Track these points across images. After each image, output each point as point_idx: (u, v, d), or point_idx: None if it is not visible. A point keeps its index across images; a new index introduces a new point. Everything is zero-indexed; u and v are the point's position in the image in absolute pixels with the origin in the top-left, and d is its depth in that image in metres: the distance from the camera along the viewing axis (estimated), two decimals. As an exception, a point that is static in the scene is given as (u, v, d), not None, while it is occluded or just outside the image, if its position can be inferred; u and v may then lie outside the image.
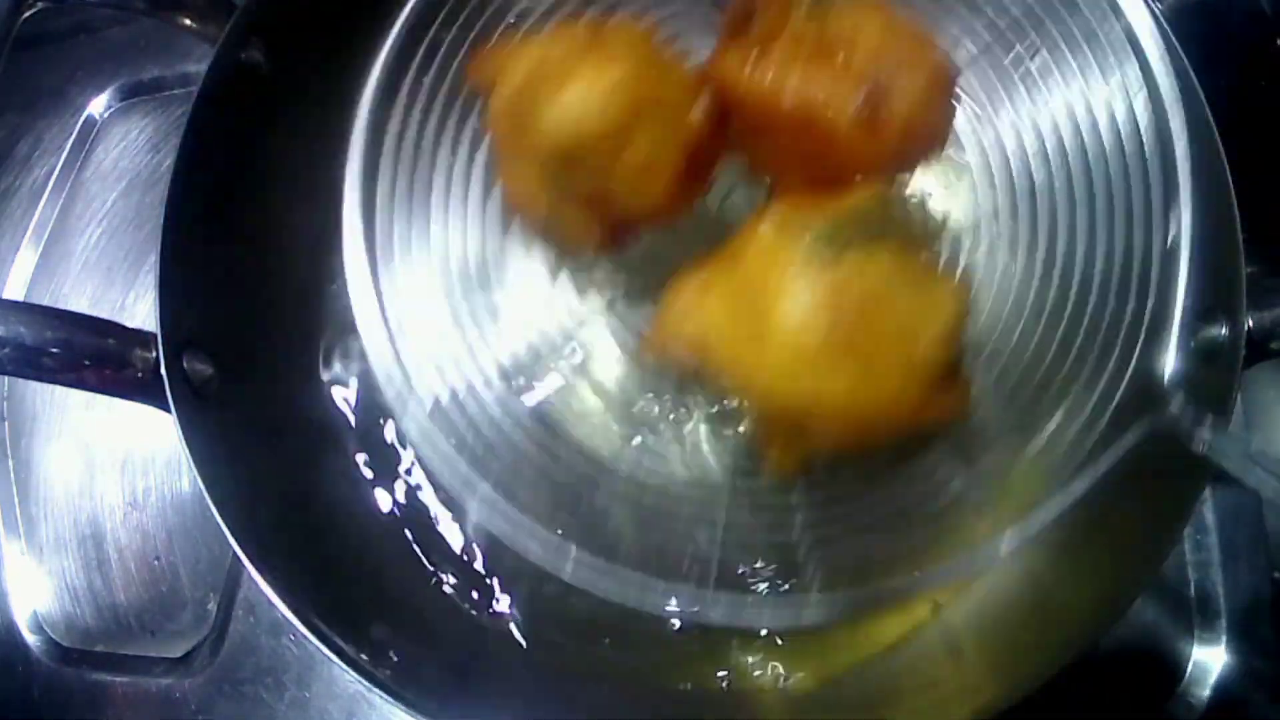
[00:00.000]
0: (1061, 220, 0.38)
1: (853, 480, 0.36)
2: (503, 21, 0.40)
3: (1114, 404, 0.33)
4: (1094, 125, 0.37)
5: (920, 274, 0.32)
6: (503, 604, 0.42)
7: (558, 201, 0.36)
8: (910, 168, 0.37)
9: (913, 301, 0.31)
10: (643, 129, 0.33)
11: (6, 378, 0.55)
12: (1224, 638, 0.42)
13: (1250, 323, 0.34)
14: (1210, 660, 0.42)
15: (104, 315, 0.37)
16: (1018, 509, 0.32)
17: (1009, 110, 0.40)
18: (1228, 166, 0.35)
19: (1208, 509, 0.44)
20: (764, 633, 0.40)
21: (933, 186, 0.44)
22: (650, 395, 0.43)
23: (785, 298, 0.31)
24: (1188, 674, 0.42)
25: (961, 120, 0.40)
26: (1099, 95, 0.37)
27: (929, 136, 0.36)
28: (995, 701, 0.32)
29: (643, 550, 0.37)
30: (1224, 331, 0.35)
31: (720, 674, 0.40)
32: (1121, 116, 0.36)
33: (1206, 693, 0.42)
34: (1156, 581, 0.42)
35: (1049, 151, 0.39)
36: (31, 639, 0.50)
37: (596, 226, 0.37)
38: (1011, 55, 0.39)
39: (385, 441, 0.44)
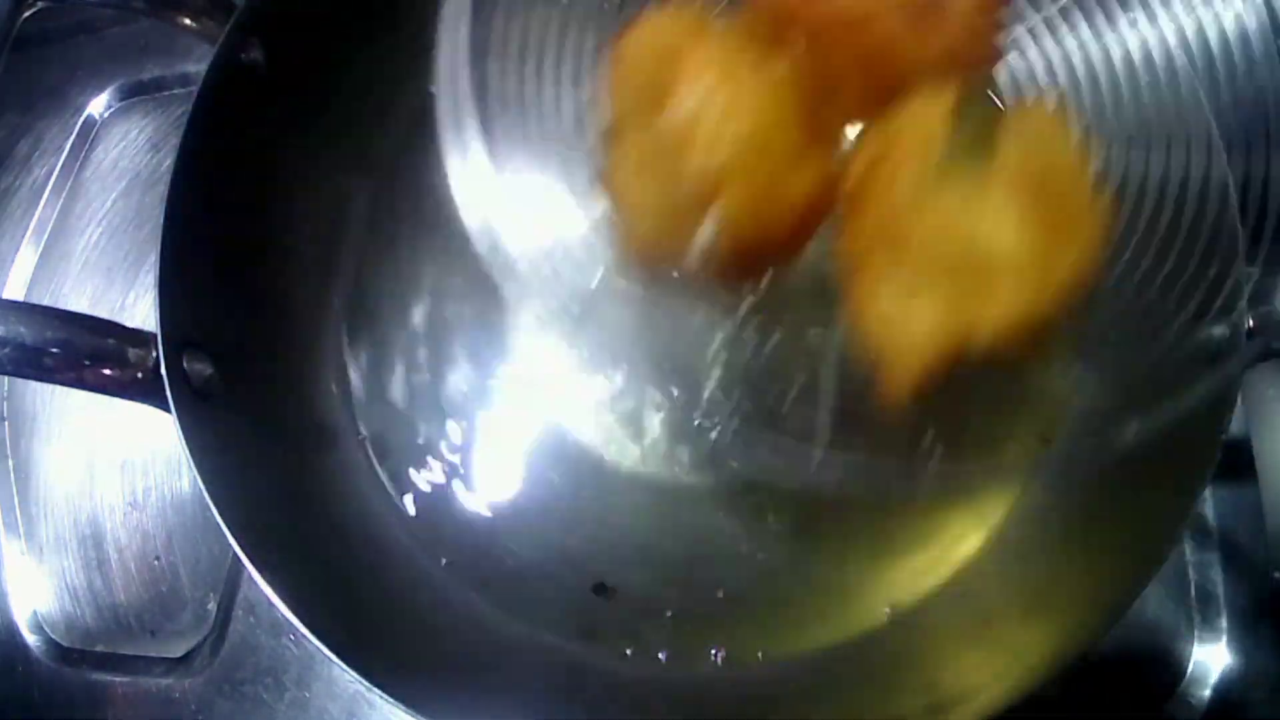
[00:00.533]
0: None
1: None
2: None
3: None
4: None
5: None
6: (504, 602, 0.42)
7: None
8: (970, 68, 0.35)
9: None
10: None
11: (6, 378, 0.55)
12: (1225, 637, 0.42)
13: (1251, 322, 0.34)
14: (1211, 660, 0.42)
15: (104, 315, 0.37)
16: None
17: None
18: (1228, 165, 0.35)
19: (1208, 508, 0.44)
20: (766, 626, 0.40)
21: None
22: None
23: (987, 230, 0.30)
24: (1188, 673, 0.42)
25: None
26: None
27: (989, 30, 0.34)
28: (995, 701, 0.32)
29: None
30: (1225, 331, 0.35)
31: (723, 665, 0.40)
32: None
33: (1207, 692, 0.42)
34: (1157, 581, 0.42)
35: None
36: (31, 639, 0.50)
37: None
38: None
39: (386, 440, 0.44)
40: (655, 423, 0.43)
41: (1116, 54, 0.39)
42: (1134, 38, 0.38)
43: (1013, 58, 0.41)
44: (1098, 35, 0.40)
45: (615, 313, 0.44)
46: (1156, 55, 0.38)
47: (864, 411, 0.39)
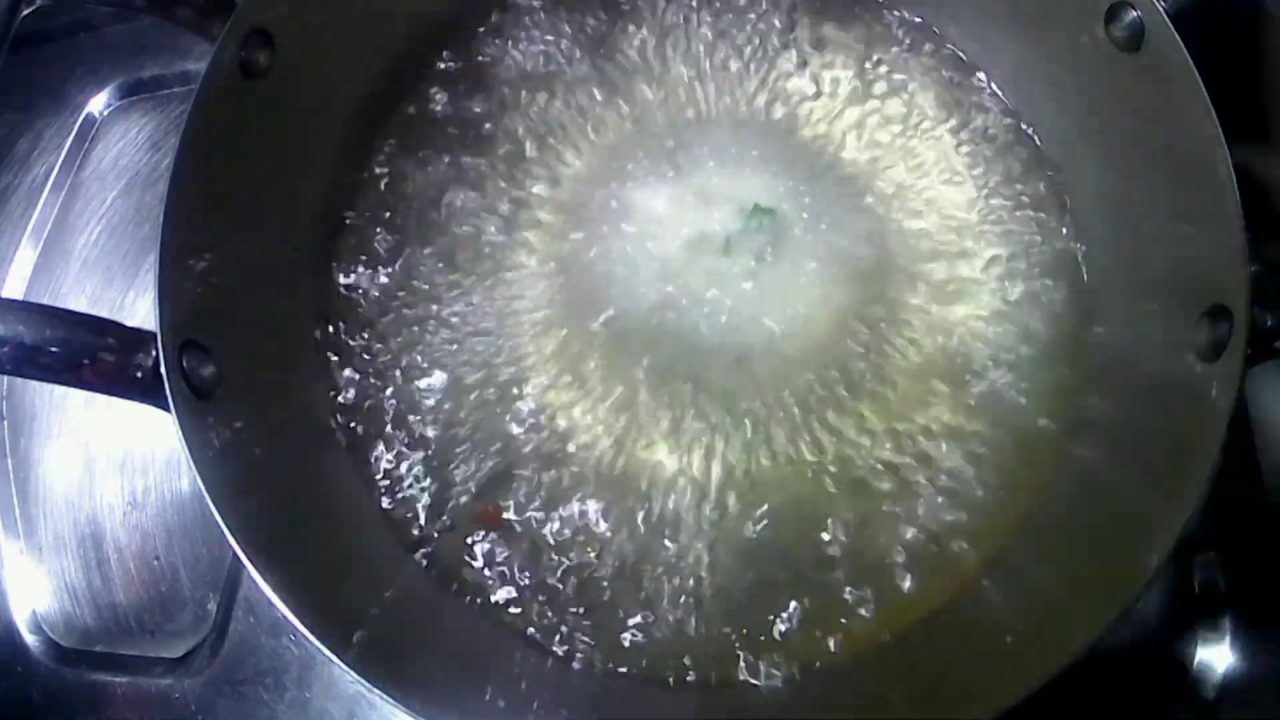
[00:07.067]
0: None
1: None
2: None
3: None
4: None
5: None
6: (505, 603, 0.42)
7: None
8: None
9: None
10: None
11: (6, 377, 0.55)
12: (1228, 637, 0.42)
13: (1254, 321, 0.34)
14: (1214, 660, 0.42)
15: (104, 314, 0.37)
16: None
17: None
18: (1230, 164, 0.35)
19: (1210, 508, 0.44)
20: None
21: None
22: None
23: None
24: (1191, 673, 0.42)
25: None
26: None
27: None
28: (996, 702, 0.32)
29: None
30: (1228, 330, 0.35)
31: (723, 670, 0.40)
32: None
33: (1211, 693, 0.42)
34: (1159, 581, 0.42)
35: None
36: (31, 639, 0.50)
37: None
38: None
39: (387, 440, 0.44)
40: (656, 423, 0.43)
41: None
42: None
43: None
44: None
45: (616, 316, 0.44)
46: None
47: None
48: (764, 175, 0.46)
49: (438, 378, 0.45)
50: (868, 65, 0.48)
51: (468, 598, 0.42)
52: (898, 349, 0.43)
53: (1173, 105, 0.37)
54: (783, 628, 0.40)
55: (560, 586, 0.41)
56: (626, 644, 0.40)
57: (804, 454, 0.42)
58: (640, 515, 0.42)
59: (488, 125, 0.49)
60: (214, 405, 0.37)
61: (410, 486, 0.44)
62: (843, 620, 0.40)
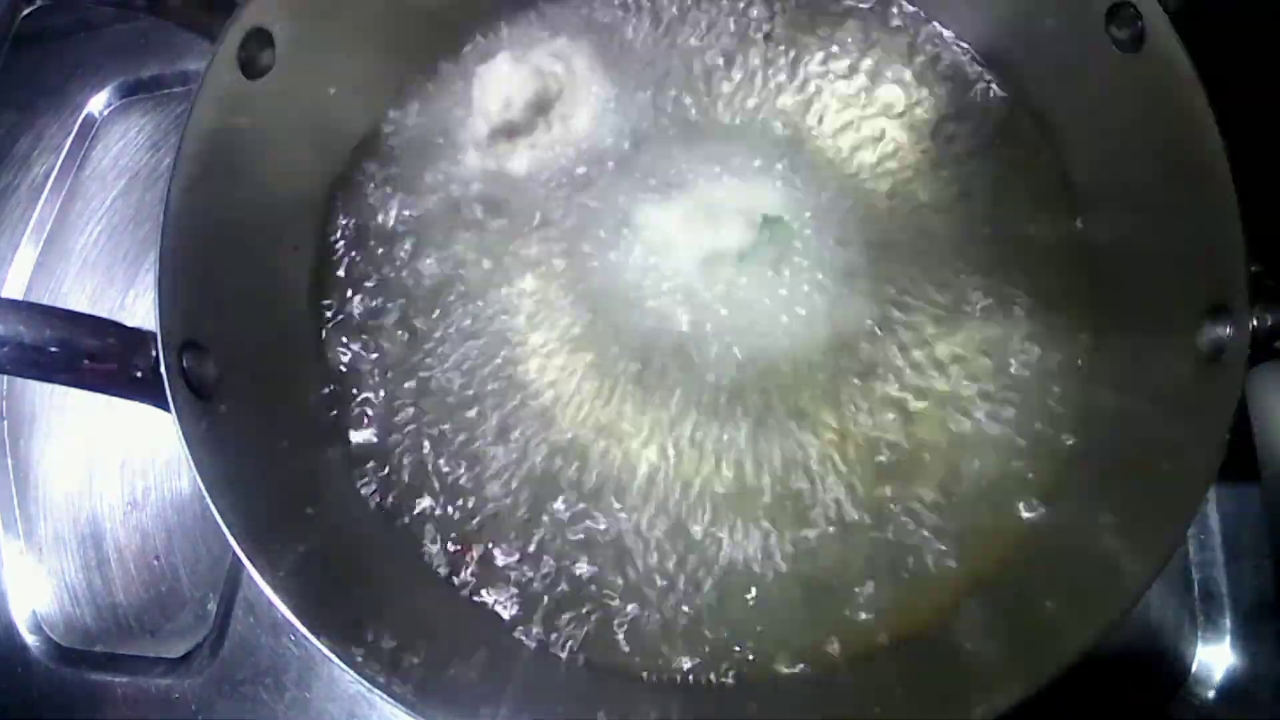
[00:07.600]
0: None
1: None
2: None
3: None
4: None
5: None
6: (505, 602, 0.42)
7: None
8: None
9: None
10: None
11: (6, 377, 0.55)
12: (1229, 637, 0.42)
13: (1254, 321, 0.34)
14: (1215, 659, 0.42)
15: (103, 314, 0.37)
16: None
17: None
18: (1230, 164, 0.35)
19: (1211, 508, 0.44)
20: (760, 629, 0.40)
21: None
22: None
23: None
24: (1192, 673, 0.42)
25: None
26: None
27: None
28: (998, 701, 0.32)
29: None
30: (1228, 331, 0.35)
31: (726, 667, 0.40)
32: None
33: (1211, 693, 0.42)
34: (1160, 581, 0.42)
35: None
36: (31, 639, 0.50)
37: None
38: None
39: (386, 439, 0.44)
40: (654, 419, 0.43)
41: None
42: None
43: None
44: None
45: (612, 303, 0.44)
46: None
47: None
48: (771, 184, 0.46)
49: (441, 379, 0.45)
50: (867, 62, 0.48)
51: (471, 597, 0.42)
52: (908, 354, 0.43)
53: (1173, 105, 0.37)
54: (779, 629, 0.40)
55: (563, 588, 0.41)
56: (624, 643, 0.40)
57: (811, 465, 0.42)
58: (644, 519, 0.42)
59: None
60: (214, 405, 0.37)
61: (411, 484, 0.44)
62: (838, 624, 0.40)
